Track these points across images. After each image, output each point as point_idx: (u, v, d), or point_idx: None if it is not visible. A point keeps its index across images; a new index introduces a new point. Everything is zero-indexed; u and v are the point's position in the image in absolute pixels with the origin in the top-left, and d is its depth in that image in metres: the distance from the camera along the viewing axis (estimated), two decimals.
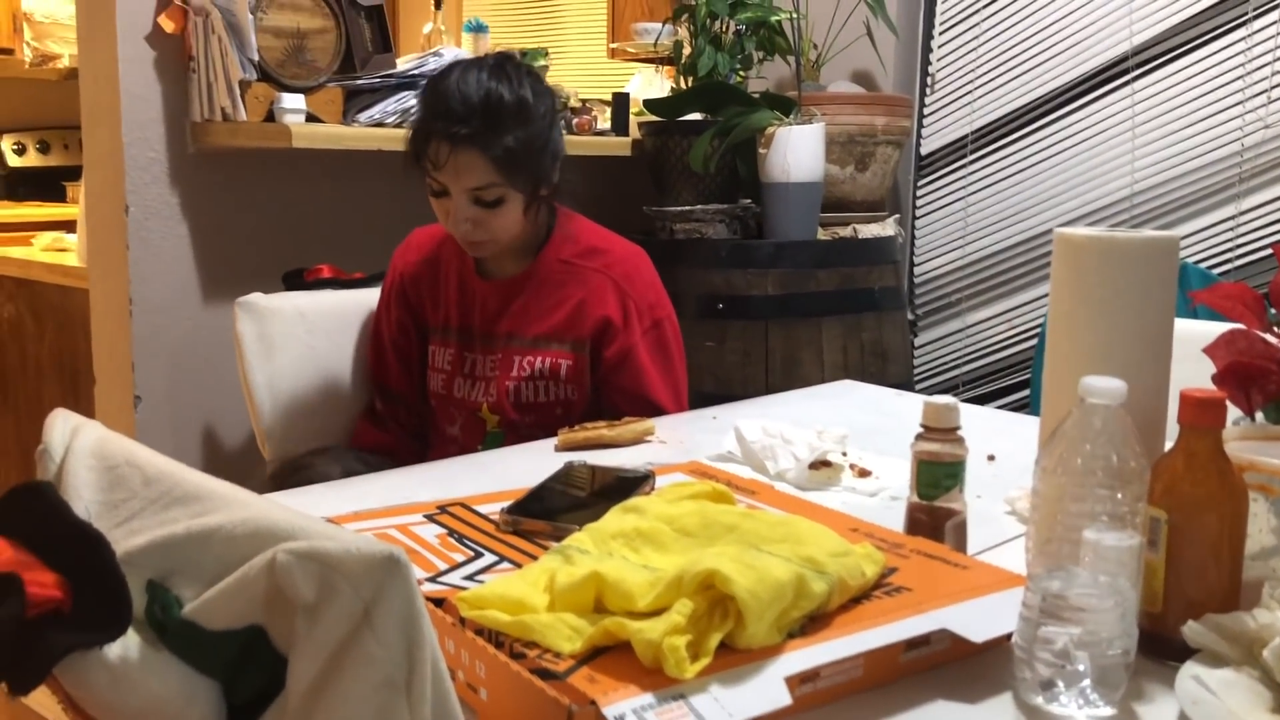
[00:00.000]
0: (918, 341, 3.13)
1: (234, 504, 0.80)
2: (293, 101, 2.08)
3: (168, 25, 2.04)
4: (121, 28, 2.01)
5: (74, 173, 4.48)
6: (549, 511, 1.08)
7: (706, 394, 2.28)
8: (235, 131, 2.06)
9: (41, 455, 0.96)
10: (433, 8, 2.70)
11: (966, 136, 2.98)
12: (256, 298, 1.86)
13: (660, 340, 1.79)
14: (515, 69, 1.70)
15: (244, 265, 2.21)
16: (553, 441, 1.53)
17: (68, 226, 2.76)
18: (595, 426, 1.56)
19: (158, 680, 0.75)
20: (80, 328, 2.37)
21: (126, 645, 0.74)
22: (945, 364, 3.10)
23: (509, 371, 1.75)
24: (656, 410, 1.74)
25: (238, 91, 2.04)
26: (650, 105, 2.65)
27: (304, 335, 1.92)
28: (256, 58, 2.05)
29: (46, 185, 4.48)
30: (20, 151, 4.51)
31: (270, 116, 2.10)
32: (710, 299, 2.49)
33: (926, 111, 3.05)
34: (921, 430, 1.08)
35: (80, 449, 0.94)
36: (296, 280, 2.02)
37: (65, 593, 0.74)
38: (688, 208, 2.59)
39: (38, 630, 0.72)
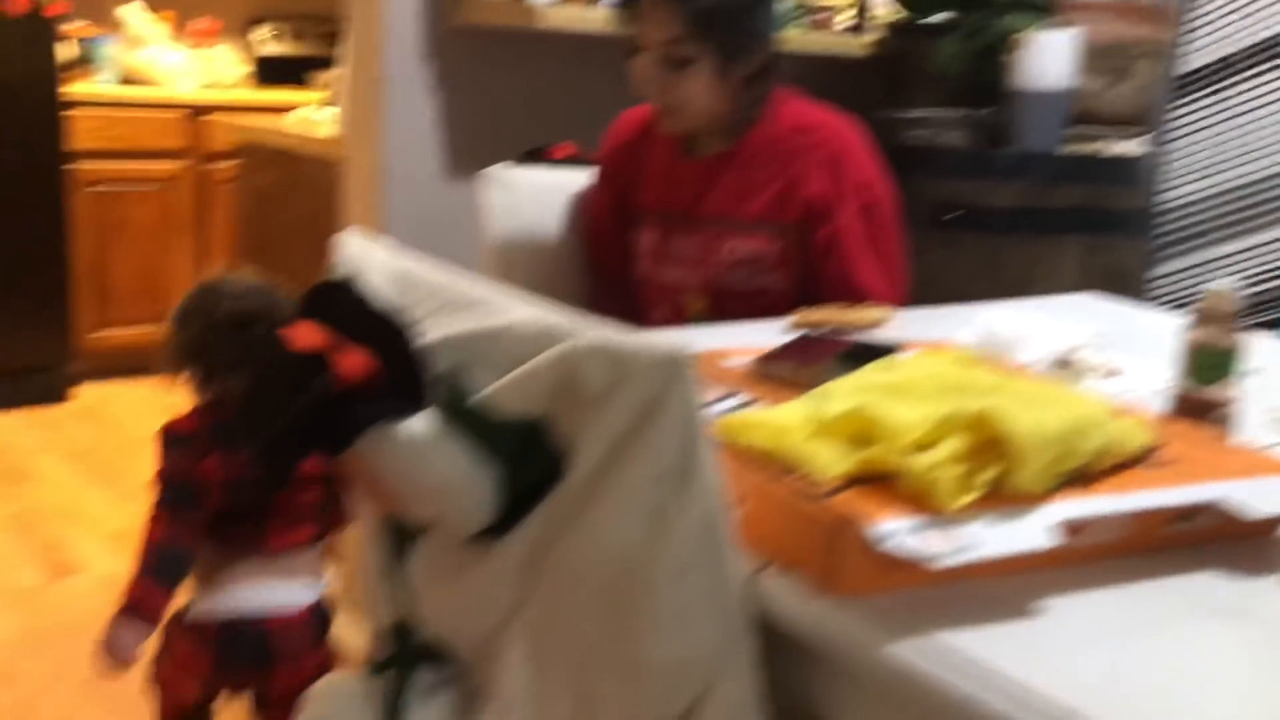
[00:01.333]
0: (1157, 271, 2.96)
1: (520, 308, 0.84)
2: None
3: None
4: None
5: (320, 62, 4.71)
6: (800, 365, 1.09)
7: (930, 308, 2.23)
8: (487, 9, 2.12)
9: (334, 270, 1.03)
10: None
11: (1235, 54, 2.77)
12: (502, 169, 1.93)
13: (874, 224, 1.69)
14: None
15: (489, 141, 2.27)
16: (771, 324, 1.52)
17: None
18: (830, 309, 1.55)
19: (447, 461, 0.80)
20: (330, 196, 2.50)
21: (422, 426, 0.79)
22: (1185, 298, 2.93)
23: (713, 254, 1.71)
24: (869, 297, 1.64)
25: None
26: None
27: (541, 211, 1.98)
28: None
29: (294, 74, 4.72)
30: (273, 39, 4.75)
31: None
32: (941, 209, 2.43)
33: (1192, 24, 2.85)
34: (1197, 316, 1.04)
35: (373, 262, 1.00)
36: (536, 157, 2.07)
37: (371, 372, 0.79)
38: (924, 113, 2.52)
39: (346, 404, 0.78)
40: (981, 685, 0.69)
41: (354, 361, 0.79)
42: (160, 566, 1.54)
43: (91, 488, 3.14)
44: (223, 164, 4.09)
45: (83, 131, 3.74)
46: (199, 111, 4.03)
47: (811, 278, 1.69)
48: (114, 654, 1.51)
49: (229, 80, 4.40)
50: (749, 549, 0.79)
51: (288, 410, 0.77)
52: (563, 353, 0.74)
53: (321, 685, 0.95)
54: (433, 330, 0.85)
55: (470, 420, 0.80)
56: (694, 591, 0.75)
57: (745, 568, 0.78)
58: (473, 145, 2.28)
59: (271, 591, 1.58)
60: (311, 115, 2.76)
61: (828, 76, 2.70)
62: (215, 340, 1.61)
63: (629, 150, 1.83)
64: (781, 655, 0.83)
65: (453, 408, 0.81)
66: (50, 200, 3.64)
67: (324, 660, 1.61)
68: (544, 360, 0.76)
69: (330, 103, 3.94)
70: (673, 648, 0.76)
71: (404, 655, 0.96)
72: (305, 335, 0.82)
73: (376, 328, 0.81)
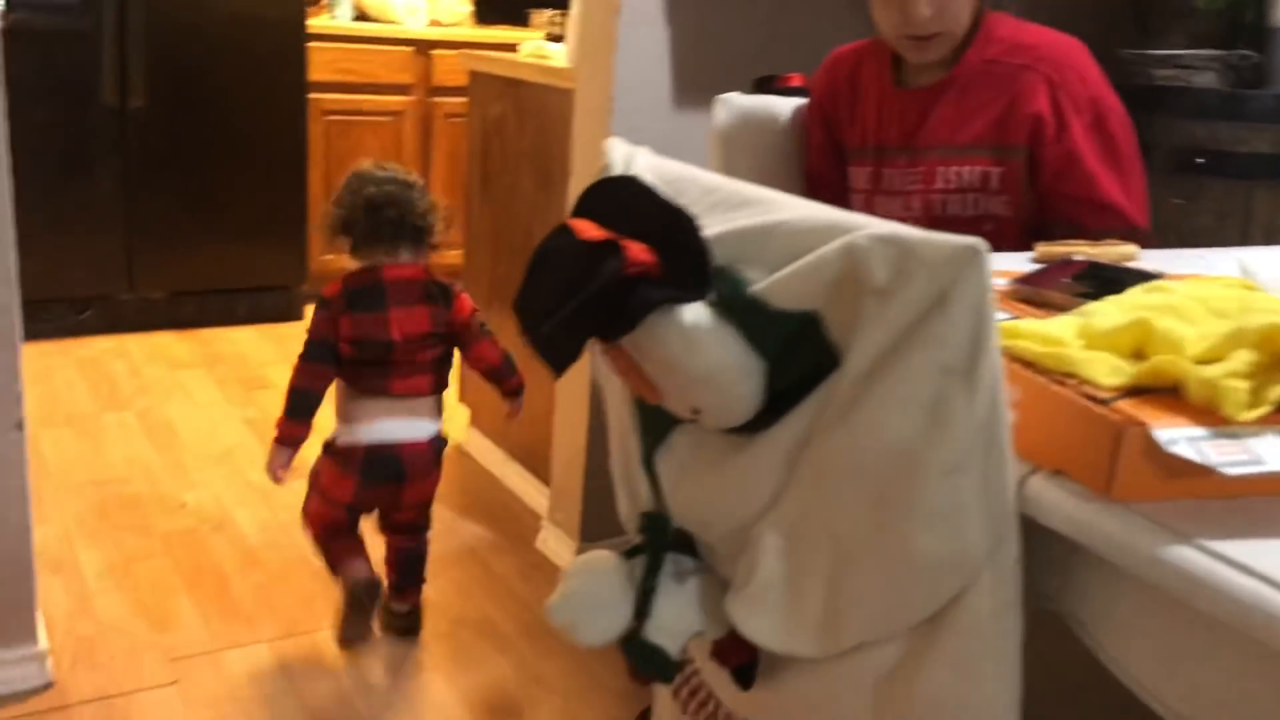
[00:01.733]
0: None
1: (796, 205, 0.86)
2: None
3: None
4: None
5: (542, 1, 4.81)
6: (1059, 288, 1.07)
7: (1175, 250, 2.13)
8: None
9: (603, 173, 1.07)
10: None
11: None
12: (734, 96, 1.94)
13: (1107, 136, 1.62)
14: None
15: (717, 72, 2.29)
16: (1009, 257, 1.49)
17: None
18: (1074, 244, 1.50)
19: (720, 350, 0.83)
20: (558, 128, 2.57)
21: (699, 314, 0.82)
22: None
23: (931, 183, 1.67)
24: (1115, 215, 1.58)
25: None
26: None
27: (769, 140, 1.98)
28: None
29: (513, 12, 4.83)
30: None
31: None
32: (1187, 153, 2.31)
33: None
34: None
35: (640, 166, 1.03)
36: (766, 86, 2.07)
37: (655, 260, 0.82)
38: (1175, 52, 2.39)
39: (633, 287, 0.81)
40: (1258, 599, 0.67)
41: (639, 249, 0.82)
42: (295, 406, 2.05)
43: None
44: (447, 99, 4.25)
45: (320, 64, 3.95)
46: (426, 47, 4.19)
47: (1051, 201, 1.64)
48: (271, 472, 2.06)
49: (453, 18, 4.55)
50: (1018, 451, 0.79)
51: (579, 294, 0.81)
52: (847, 245, 0.76)
53: (580, 562, 1.00)
54: (708, 226, 0.87)
55: (747, 311, 0.83)
56: (968, 489, 0.76)
57: (1017, 468, 0.78)
58: (700, 75, 2.29)
59: (401, 426, 2.00)
60: (543, 47, 2.83)
61: (1071, 10, 2.59)
62: (360, 218, 2.05)
63: (840, 89, 1.82)
64: (1041, 557, 0.83)
65: (729, 300, 0.84)
66: (293, 129, 3.86)
67: (438, 479, 2.08)
68: (826, 253, 0.77)
69: (551, 39, 4.03)
70: (941, 544, 0.77)
71: (654, 543, 0.99)
72: (589, 228, 0.86)
73: (660, 218, 0.83)
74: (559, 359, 0.83)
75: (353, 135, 4.12)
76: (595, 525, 2.42)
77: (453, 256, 4.34)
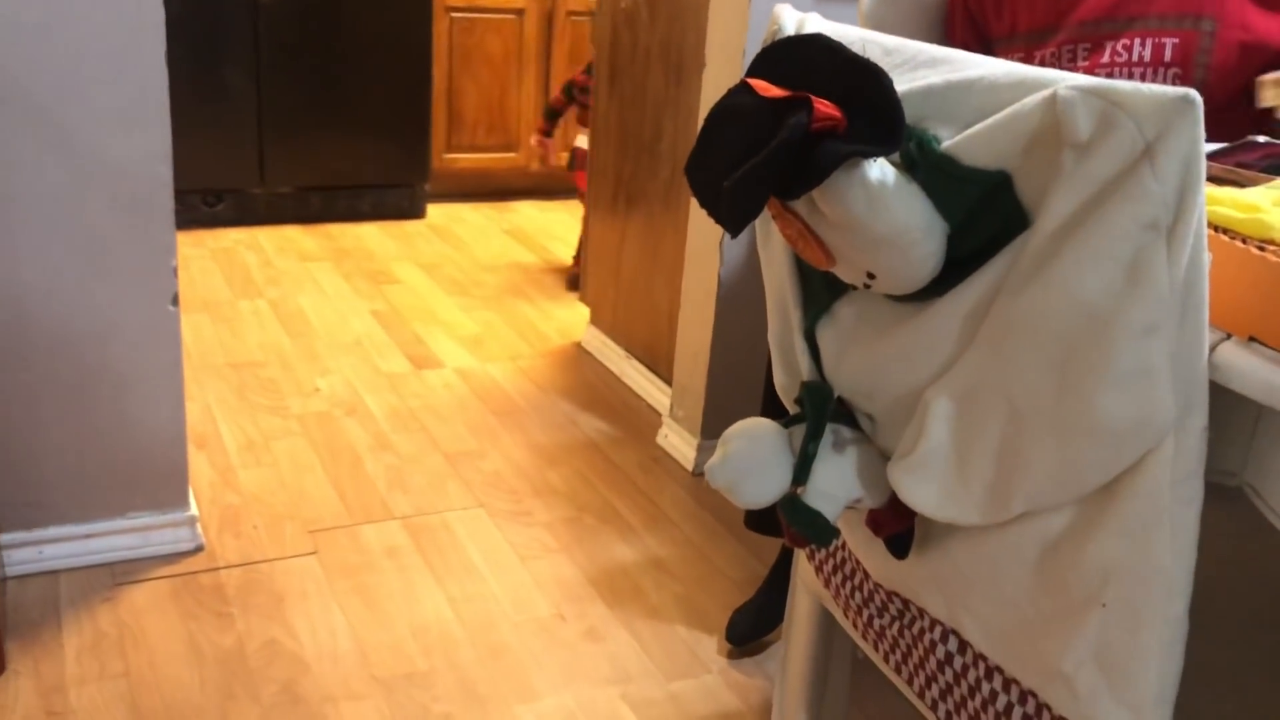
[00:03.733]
0: None
1: (989, 63, 0.83)
2: None
3: None
4: None
5: None
6: (1252, 164, 1.03)
7: None
8: None
9: (774, 37, 1.05)
10: None
11: None
12: None
13: None
14: None
15: None
16: None
17: None
18: None
19: (905, 209, 0.82)
20: (691, 19, 2.54)
21: (885, 171, 0.81)
22: None
23: (1099, 59, 1.62)
24: None
25: None
26: None
27: (919, 22, 1.93)
28: None
29: None
30: None
31: None
32: None
33: None
34: None
35: (813, 27, 1.01)
36: None
37: (842, 116, 0.81)
38: None
39: (819, 141, 0.80)
40: None
41: (827, 104, 0.81)
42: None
43: (444, 296, 3.41)
44: None
45: None
46: None
47: (1247, 69, 1.57)
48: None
49: None
50: (1211, 318, 0.77)
51: (762, 149, 0.80)
52: (1049, 97, 0.74)
53: (740, 426, 1.01)
54: (896, 84, 0.86)
55: (935, 170, 0.81)
56: (1160, 351, 0.74)
57: (1210, 334, 0.77)
58: None
59: None
60: None
61: None
62: None
63: None
64: (1226, 429, 0.81)
65: (916, 159, 0.83)
66: (419, 25, 3.89)
67: None
68: (1025, 106, 0.76)
69: None
70: (1127, 407, 0.76)
71: (815, 412, 1.00)
72: (769, 87, 0.85)
73: (847, 74, 0.82)
74: (738, 216, 0.83)
75: (476, 32, 4.13)
76: (717, 422, 2.44)
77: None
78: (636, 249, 2.84)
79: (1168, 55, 1.57)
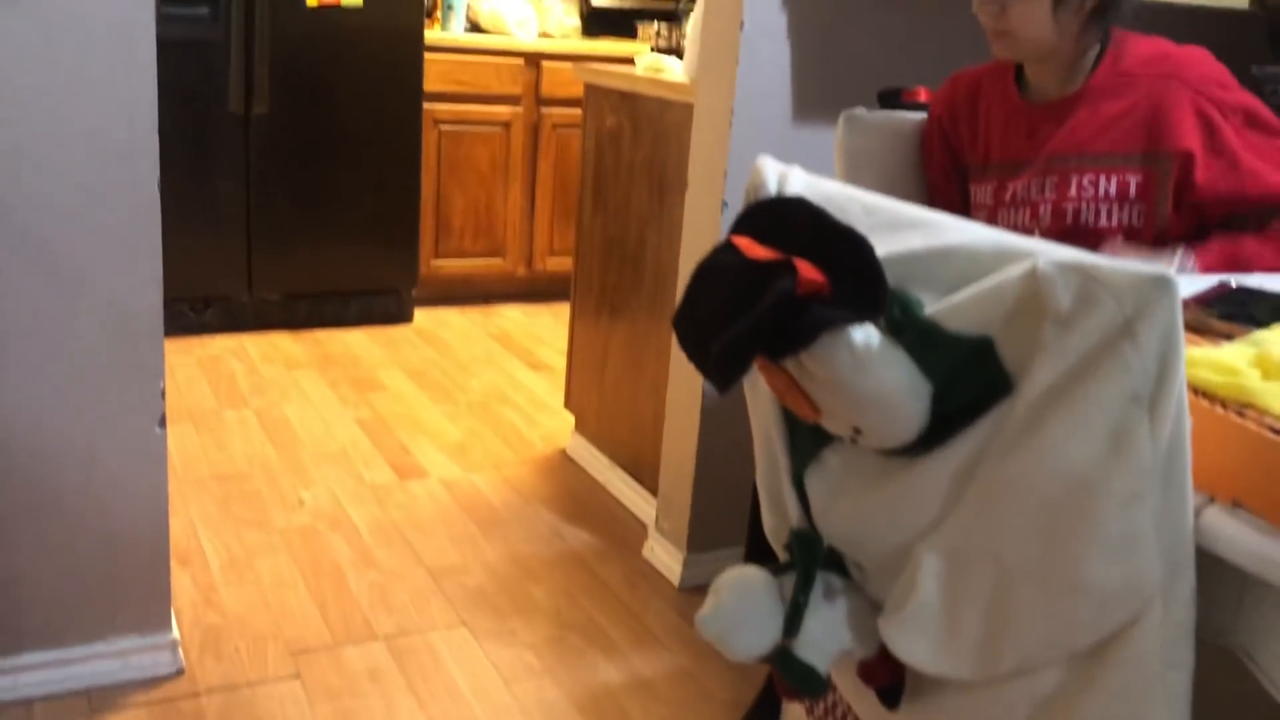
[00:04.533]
0: None
1: (967, 228, 0.86)
2: None
3: None
4: None
5: (645, 14, 4.85)
6: (1231, 313, 1.05)
7: None
8: None
9: (757, 190, 1.08)
10: None
11: None
12: (860, 112, 1.94)
13: (1259, 126, 1.61)
14: None
15: (839, 87, 2.29)
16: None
17: (633, 61, 3.01)
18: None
19: (890, 371, 0.83)
20: (674, 140, 2.59)
21: (869, 334, 0.83)
22: None
23: (1066, 192, 1.67)
24: None
25: None
26: None
27: (896, 155, 1.98)
28: None
29: (620, 24, 4.88)
30: None
31: None
32: None
33: None
34: None
35: (795, 184, 1.04)
36: (893, 99, 2.07)
37: (826, 280, 0.83)
38: None
39: (804, 306, 0.82)
40: None
41: (809, 269, 0.83)
42: None
43: (430, 403, 3.41)
44: (555, 109, 4.31)
45: (433, 75, 4.03)
46: (536, 59, 4.25)
47: (1205, 208, 1.62)
48: None
49: (562, 30, 4.61)
50: (1194, 481, 0.78)
51: (748, 312, 0.82)
52: (1029, 271, 0.76)
53: (730, 576, 1.01)
54: (875, 246, 0.88)
55: (919, 335, 0.83)
56: (1145, 518, 0.75)
57: (1194, 498, 0.78)
58: (822, 90, 2.30)
59: None
60: (659, 61, 2.86)
61: (1203, 27, 2.54)
62: None
63: (960, 109, 1.84)
64: (1215, 590, 0.82)
65: (899, 321, 0.84)
66: (408, 136, 3.96)
67: None
68: (1006, 278, 0.78)
69: (657, 50, 4.07)
70: (1115, 572, 0.77)
71: (805, 561, 1.00)
72: (754, 246, 0.87)
73: (831, 239, 0.84)
74: (727, 377, 0.85)
75: (464, 144, 4.20)
76: (703, 535, 2.43)
77: (559, 264, 4.42)
78: (620, 358, 2.86)
79: (1132, 192, 1.63)
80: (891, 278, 0.86)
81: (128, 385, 1.86)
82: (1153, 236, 1.64)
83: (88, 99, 1.73)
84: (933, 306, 0.83)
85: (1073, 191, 1.68)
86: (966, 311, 0.80)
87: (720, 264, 0.90)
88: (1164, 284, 0.70)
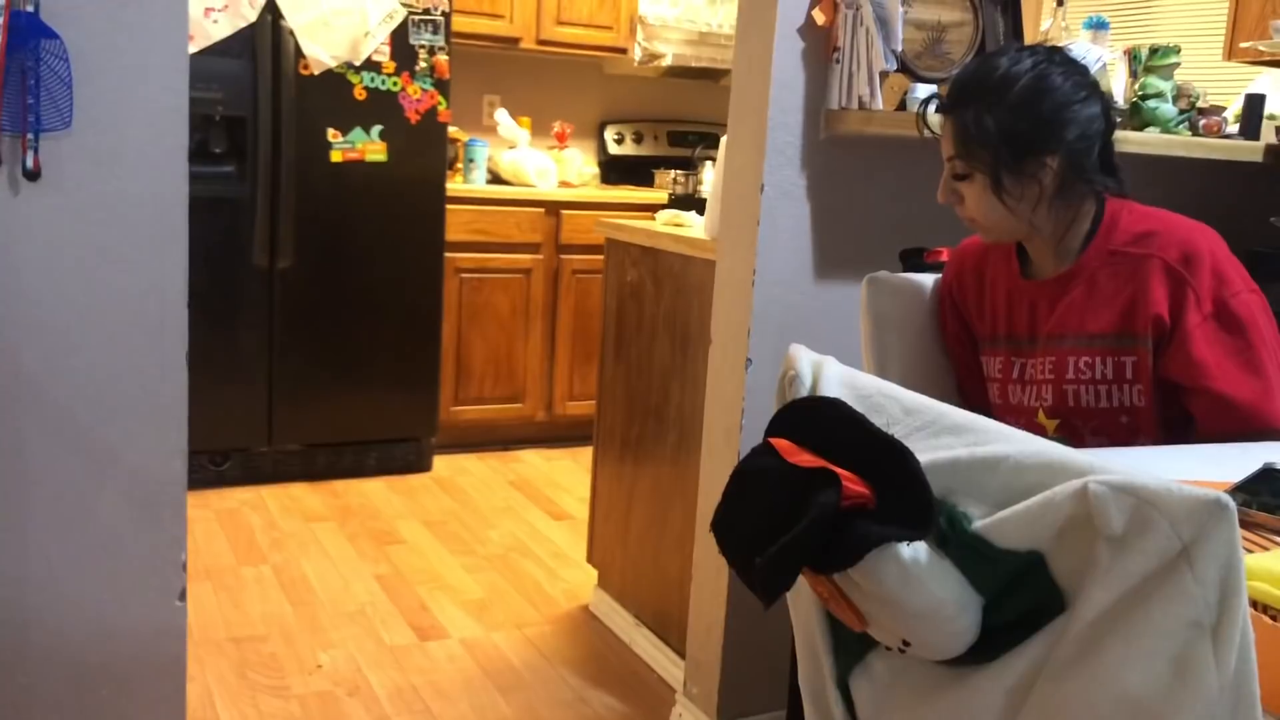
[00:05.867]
0: None
1: (1012, 437, 0.84)
2: (926, 91, 2.14)
3: (820, 18, 2.18)
4: (779, 22, 2.18)
5: (661, 162, 4.96)
6: (1274, 505, 1.03)
7: None
8: (869, 120, 2.17)
9: (792, 381, 1.07)
10: (1054, 3, 2.66)
11: None
12: (883, 275, 1.95)
13: (1232, 326, 1.56)
14: (1046, 56, 1.60)
15: (859, 246, 2.31)
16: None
17: (653, 209, 3.06)
18: None
19: (939, 586, 0.81)
20: (695, 294, 2.61)
21: (917, 549, 0.81)
22: None
23: (1064, 373, 1.66)
24: (1230, 409, 1.53)
25: (877, 81, 2.15)
26: None
27: (920, 317, 1.98)
28: (900, 49, 2.14)
29: (637, 173, 4.99)
30: (619, 141, 5.06)
31: (902, 105, 2.18)
32: None
33: None
34: None
35: (830, 378, 1.03)
36: (915, 259, 2.08)
37: (870, 492, 0.82)
38: None
39: (849, 521, 0.80)
40: None
41: (853, 480, 0.82)
42: None
43: (450, 555, 3.37)
44: (575, 256, 4.37)
45: (455, 225, 4.11)
46: (556, 208, 4.34)
47: (1176, 394, 1.60)
48: None
49: (581, 179, 4.71)
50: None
51: (792, 526, 0.80)
52: (1080, 490, 0.74)
53: None
54: (916, 452, 0.87)
55: (968, 549, 0.81)
56: None
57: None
58: (843, 249, 2.32)
59: None
60: (679, 216, 2.90)
61: (1218, 181, 2.57)
62: None
63: (967, 280, 1.84)
64: None
65: (945, 534, 0.83)
66: (431, 286, 4.01)
67: None
68: (1056, 495, 0.76)
69: (673, 199, 4.14)
70: None
71: None
72: (795, 451, 0.86)
73: (872, 447, 0.83)
74: (772, 591, 0.83)
75: (484, 291, 4.25)
76: (734, 701, 2.36)
77: (579, 408, 4.42)
78: (645, 512, 2.83)
79: (1129, 372, 1.61)
80: (936, 487, 0.84)
81: (149, 558, 1.84)
82: (1156, 420, 1.62)
83: (119, 277, 1.76)
84: (981, 521, 0.81)
85: (1070, 373, 1.66)
86: (1017, 528, 0.79)
87: (761, 469, 0.88)
88: (1221, 510, 0.68)
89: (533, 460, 4.41)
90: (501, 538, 3.55)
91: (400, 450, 4.09)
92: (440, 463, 4.25)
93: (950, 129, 1.64)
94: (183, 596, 1.88)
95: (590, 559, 3.10)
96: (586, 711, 2.51)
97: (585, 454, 3.63)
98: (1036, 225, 1.65)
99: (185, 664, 1.90)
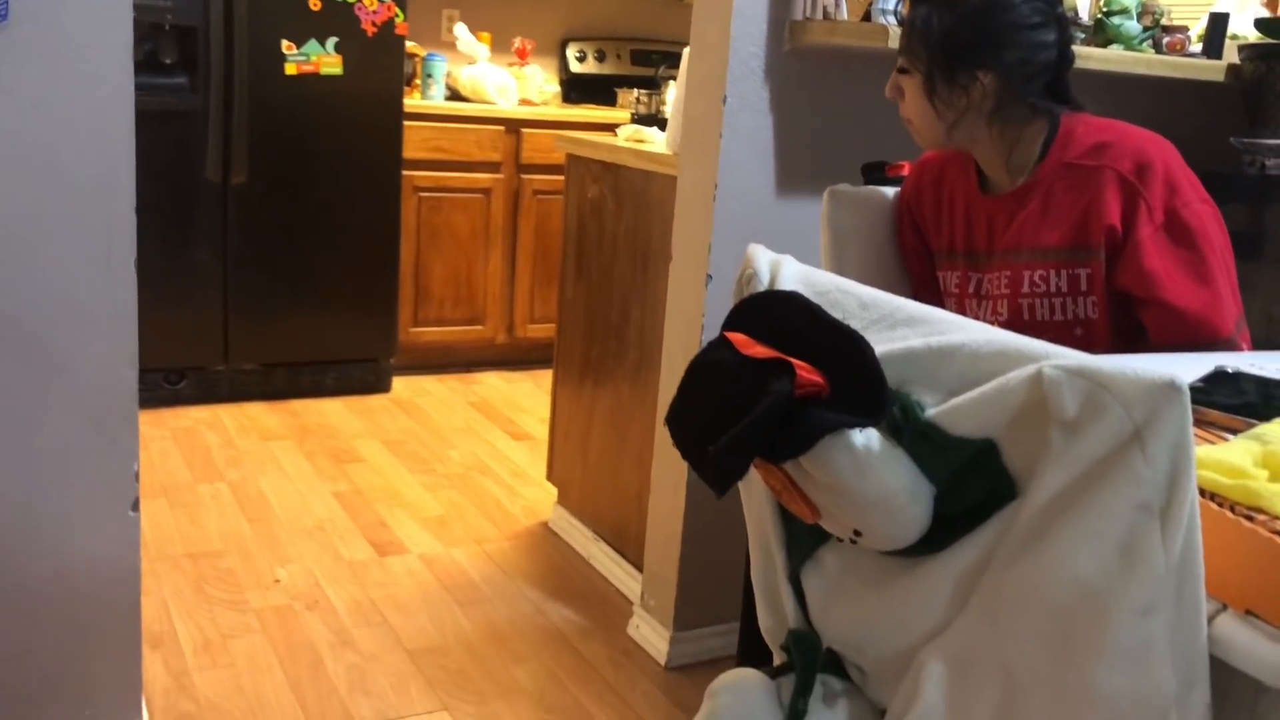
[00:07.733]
0: None
1: (968, 327, 0.84)
2: (892, 2, 2.11)
3: None
4: None
5: (624, 81, 4.89)
6: (1227, 405, 1.04)
7: None
8: (834, 30, 2.13)
9: (750, 280, 1.06)
10: None
11: None
12: (844, 187, 1.94)
13: (1182, 236, 1.56)
14: None
15: (821, 160, 2.30)
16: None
17: (615, 128, 3.02)
18: None
19: (891, 474, 0.81)
20: (656, 211, 2.59)
21: (870, 437, 0.81)
22: None
23: (1019, 287, 1.67)
24: (1179, 319, 1.54)
25: None
26: (1261, 25, 2.42)
27: (881, 230, 1.97)
28: None
29: (599, 91, 4.92)
30: (581, 59, 4.98)
31: (867, 16, 2.15)
32: None
33: None
34: None
35: (788, 276, 1.02)
36: (876, 173, 2.07)
37: (824, 380, 0.81)
38: None
39: (803, 409, 0.80)
40: None
41: (807, 370, 0.81)
42: None
43: (409, 474, 3.37)
44: (535, 176, 4.32)
45: (413, 142, 4.04)
46: (516, 126, 4.27)
47: (1129, 305, 1.61)
48: None
49: (542, 97, 4.63)
50: (1206, 588, 0.76)
51: (746, 414, 0.80)
52: (1034, 375, 0.74)
53: (725, 680, 0.98)
54: (873, 344, 0.86)
55: (921, 437, 0.81)
56: (1159, 629, 0.73)
57: (1208, 608, 0.75)
58: (805, 163, 2.30)
59: None
60: (640, 131, 2.86)
61: (1179, 100, 2.57)
62: None
63: (925, 195, 1.84)
64: (1228, 699, 0.79)
65: (899, 423, 0.82)
66: (388, 204, 3.94)
67: None
68: (1010, 381, 0.76)
69: (636, 118, 4.08)
70: (1128, 684, 0.74)
71: (805, 664, 0.97)
72: (750, 344, 0.85)
73: (828, 338, 0.82)
74: (723, 481, 0.82)
75: (443, 211, 4.19)
76: (690, 613, 2.39)
77: (539, 330, 4.40)
78: (604, 430, 2.83)
79: (1083, 284, 1.61)
80: (891, 377, 0.84)
81: (101, 468, 1.81)
82: (1110, 332, 1.63)
83: (65, 184, 1.71)
84: (934, 409, 0.81)
85: (1025, 287, 1.67)
86: (970, 414, 0.78)
87: (715, 361, 0.88)
88: (1173, 391, 0.68)
89: (493, 382, 4.39)
90: (461, 457, 3.54)
91: (359, 370, 4.05)
92: (400, 384, 4.22)
93: (905, 24, 1.68)
94: (136, 507, 1.86)
95: (550, 476, 3.10)
96: (545, 623, 2.53)
97: (546, 377, 3.62)
98: (971, 137, 1.66)
99: (139, 576, 1.89)
